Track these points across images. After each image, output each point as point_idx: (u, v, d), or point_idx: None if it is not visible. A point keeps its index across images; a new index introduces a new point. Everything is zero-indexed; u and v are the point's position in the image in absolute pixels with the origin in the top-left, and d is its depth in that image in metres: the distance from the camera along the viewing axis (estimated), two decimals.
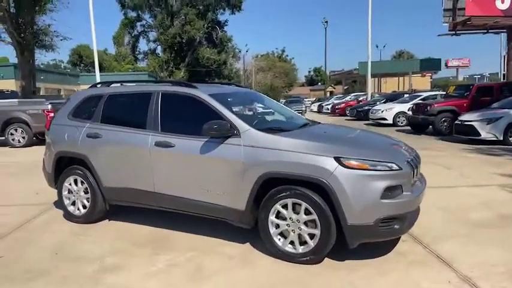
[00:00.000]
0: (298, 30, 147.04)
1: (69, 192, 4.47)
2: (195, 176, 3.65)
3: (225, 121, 3.49)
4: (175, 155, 3.72)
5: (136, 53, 55.16)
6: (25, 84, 20.94)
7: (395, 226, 3.11)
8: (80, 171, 4.34)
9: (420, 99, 15.87)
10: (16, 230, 4.23)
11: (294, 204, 3.20)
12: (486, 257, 3.26)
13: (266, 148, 3.31)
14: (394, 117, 16.37)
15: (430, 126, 12.68)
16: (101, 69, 51.79)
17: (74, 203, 4.45)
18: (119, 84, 4.68)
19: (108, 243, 3.80)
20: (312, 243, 3.17)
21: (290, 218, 3.24)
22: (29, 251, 3.65)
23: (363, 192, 3.01)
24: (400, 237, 3.57)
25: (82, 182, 4.35)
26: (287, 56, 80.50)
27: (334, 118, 23.22)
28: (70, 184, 4.44)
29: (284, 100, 41.63)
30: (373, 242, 3.27)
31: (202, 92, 3.78)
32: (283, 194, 3.22)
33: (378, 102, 19.43)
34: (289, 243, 3.27)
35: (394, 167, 3.11)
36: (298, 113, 27.53)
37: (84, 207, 4.38)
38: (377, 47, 53.47)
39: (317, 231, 3.14)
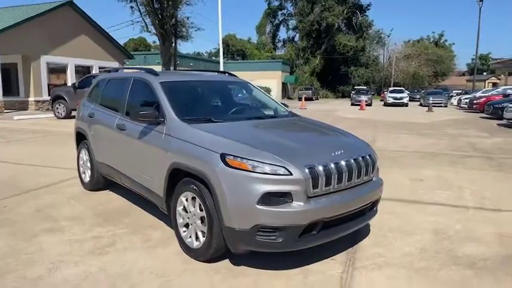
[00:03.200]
0: (461, 10, 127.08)
1: (81, 162, 5.24)
2: (135, 159, 3.86)
3: (156, 109, 3.56)
4: (125, 138, 3.98)
5: (276, 41, 57.42)
6: (165, 69, 24.27)
7: (277, 239, 2.70)
8: (85, 145, 5.04)
9: None
10: (39, 189, 5.21)
11: (193, 198, 3.10)
12: None
13: (177, 138, 3.27)
14: None
15: None
16: (243, 57, 56.09)
17: (84, 172, 5.21)
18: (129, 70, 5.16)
19: (81, 209, 4.35)
20: (202, 241, 3.03)
21: (190, 212, 3.15)
22: (25, 206, 4.48)
23: (239, 194, 2.71)
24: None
25: (86, 154, 5.05)
26: (445, 41, 71.51)
27: (455, 117, 19.85)
28: (81, 155, 5.21)
29: (423, 91, 37.44)
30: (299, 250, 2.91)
31: (155, 80, 3.90)
32: (185, 186, 3.14)
33: None
34: (189, 236, 3.19)
35: (281, 171, 2.69)
36: (437, 105, 24.45)
37: (89, 176, 5.08)
38: None
39: (205, 229, 2.99)
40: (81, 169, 5.23)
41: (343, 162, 2.95)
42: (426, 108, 24.38)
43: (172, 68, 25.18)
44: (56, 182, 5.50)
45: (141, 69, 4.38)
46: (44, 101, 19.50)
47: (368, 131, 12.28)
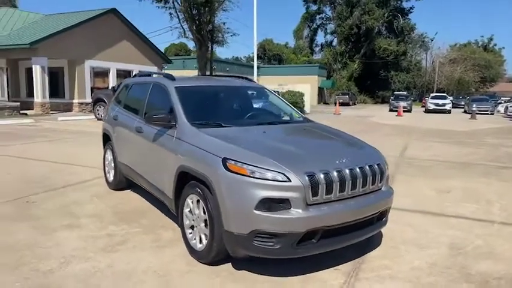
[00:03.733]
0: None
1: (106, 163, 5.48)
2: (149, 161, 4.00)
3: (170, 112, 3.68)
4: (141, 140, 4.13)
5: (313, 45, 57.01)
6: (201, 73, 24.85)
7: (274, 245, 2.70)
8: (110, 146, 5.28)
9: None
10: (67, 186, 5.51)
11: (197, 201, 3.16)
12: None
13: (185, 141, 3.36)
14: None
15: None
16: (280, 61, 56.15)
17: (109, 172, 5.45)
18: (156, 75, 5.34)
19: (102, 207, 4.57)
20: (204, 243, 3.09)
21: (195, 214, 3.22)
22: (51, 202, 4.75)
23: (238, 199, 2.74)
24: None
25: (111, 155, 5.28)
26: (495, 45, 67.82)
27: (499, 125, 18.72)
28: (106, 155, 5.46)
29: (468, 98, 35.68)
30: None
31: (171, 84, 4.03)
32: (191, 189, 3.21)
33: None
34: (194, 238, 3.26)
35: (279, 177, 2.68)
36: (483, 113, 23.39)
37: (113, 176, 5.30)
38: None
39: (208, 232, 3.03)
40: (106, 169, 5.47)
41: (347, 171, 2.90)
42: (469, 116, 23.21)
43: (208, 72, 25.74)
44: (84, 181, 5.80)
45: (161, 74, 4.54)
46: (87, 103, 20.58)
47: (400, 139, 11.90)
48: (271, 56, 57.47)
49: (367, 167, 3.06)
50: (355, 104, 43.24)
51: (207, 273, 3.00)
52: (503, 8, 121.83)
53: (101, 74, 22.15)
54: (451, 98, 33.93)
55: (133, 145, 4.45)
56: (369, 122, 19.37)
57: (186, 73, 28.35)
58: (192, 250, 3.23)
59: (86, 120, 16.66)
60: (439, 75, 52.04)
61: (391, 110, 30.02)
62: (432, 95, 33.38)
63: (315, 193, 2.74)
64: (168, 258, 3.25)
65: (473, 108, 24.47)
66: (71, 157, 7.69)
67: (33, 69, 18.47)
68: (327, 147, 3.47)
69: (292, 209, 2.68)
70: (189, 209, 3.29)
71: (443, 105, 29.01)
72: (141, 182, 4.40)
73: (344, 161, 2.98)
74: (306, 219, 2.68)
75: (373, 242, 3.58)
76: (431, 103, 29.74)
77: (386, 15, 48.32)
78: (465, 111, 30.13)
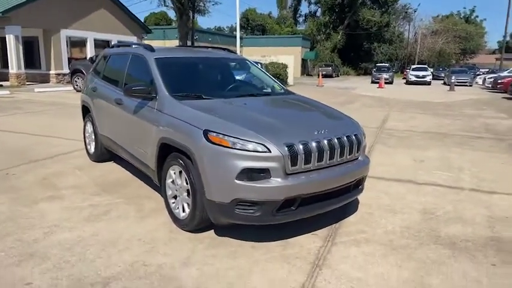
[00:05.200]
0: None
1: (86, 135, 5.44)
2: (130, 133, 4.00)
3: (150, 84, 3.65)
4: (122, 112, 4.11)
5: (297, 16, 56.07)
6: (182, 44, 24.29)
7: (255, 213, 2.80)
8: (90, 118, 5.22)
9: None
10: (48, 158, 5.46)
11: (180, 171, 3.21)
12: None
13: (166, 114, 3.37)
14: None
15: None
16: (263, 32, 55.17)
17: (89, 144, 5.40)
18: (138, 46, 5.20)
19: (84, 179, 4.57)
20: (187, 212, 3.17)
21: (177, 184, 3.28)
22: (32, 174, 4.73)
23: (219, 169, 2.80)
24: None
25: (91, 127, 5.23)
26: (477, 17, 68.23)
27: (476, 96, 19.18)
28: (86, 127, 5.40)
29: (448, 69, 36.11)
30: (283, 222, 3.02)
31: (151, 56, 3.97)
32: (174, 160, 3.25)
33: None
34: (177, 207, 3.33)
35: (259, 148, 2.75)
36: (461, 85, 23.67)
37: (94, 148, 5.28)
38: None
39: (190, 202, 3.11)
40: (87, 141, 5.43)
41: (325, 141, 2.99)
42: (448, 88, 23.62)
43: (189, 42, 25.16)
44: (65, 153, 5.75)
45: (140, 44, 4.45)
46: (64, 74, 19.95)
47: (381, 110, 12.10)
48: (255, 27, 56.36)
49: (345, 138, 3.16)
50: (338, 76, 43.28)
51: (190, 239, 3.10)
52: None
53: (78, 43, 21.39)
54: (431, 70, 34.27)
55: (113, 117, 4.42)
56: (351, 94, 19.52)
57: (168, 43, 27.61)
58: (175, 219, 3.32)
59: (64, 91, 16.23)
60: (421, 47, 52.29)
61: (373, 82, 30.19)
62: (413, 67, 33.63)
63: (293, 163, 2.82)
64: (151, 227, 3.33)
65: (452, 80, 24.83)
66: (50, 129, 7.56)
67: (7, 39, 17.66)
68: (306, 119, 3.53)
69: (271, 178, 2.77)
70: (171, 180, 3.35)
71: (424, 77, 29.32)
72: (122, 154, 4.41)
73: (322, 132, 3.06)
74: (285, 187, 2.78)
75: (350, 209, 3.74)
76: (412, 75, 30.02)
77: None
78: (445, 83, 30.57)
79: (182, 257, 2.83)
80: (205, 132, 2.90)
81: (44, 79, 19.92)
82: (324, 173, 3.00)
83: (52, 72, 19.96)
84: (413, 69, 31.21)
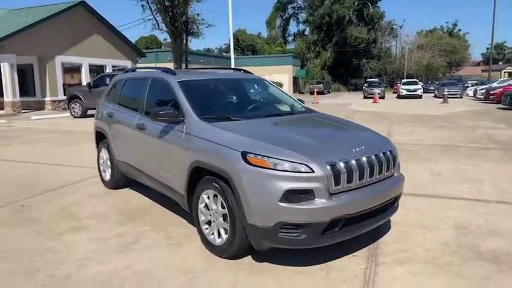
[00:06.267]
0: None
1: (101, 161, 5.32)
2: (156, 158, 3.92)
3: (175, 108, 3.60)
4: (145, 137, 4.04)
5: (286, 35, 57.07)
6: (177, 66, 24.42)
7: (299, 236, 2.72)
8: (105, 144, 5.13)
9: None
10: (61, 188, 5.32)
11: (214, 195, 3.13)
12: None
13: (197, 137, 3.31)
14: None
15: None
16: (254, 52, 55.88)
17: (104, 171, 5.29)
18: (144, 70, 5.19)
19: (103, 208, 4.45)
20: (224, 238, 3.08)
21: (212, 209, 3.19)
22: (49, 205, 4.59)
23: (261, 192, 2.73)
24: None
25: (106, 153, 5.13)
26: (459, 30, 70.41)
27: (471, 108, 19.49)
28: (101, 153, 5.30)
29: (437, 82, 36.80)
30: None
31: (174, 79, 3.94)
32: (207, 184, 3.18)
33: None
34: (212, 233, 3.24)
35: (302, 168, 2.70)
36: (452, 97, 24.05)
37: (110, 175, 5.17)
38: None
39: (228, 227, 3.02)
40: (102, 168, 5.32)
41: (364, 159, 2.95)
42: (441, 100, 24.01)
43: (183, 65, 25.31)
44: (76, 181, 5.61)
45: (157, 68, 4.43)
46: (60, 101, 19.84)
47: (382, 125, 12.17)
48: (245, 47, 57.14)
49: (381, 154, 3.13)
50: (329, 93, 43.79)
51: (229, 267, 3.00)
52: None
53: (72, 69, 21.36)
54: (421, 84, 34.89)
55: (134, 142, 4.34)
56: (347, 109, 19.68)
57: (161, 66, 27.66)
58: (210, 245, 3.21)
59: (62, 118, 16.07)
60: (409, 62, 53.39)
61: (365, 97, 30.58)
62: (404, 81, 34.23)
63: (337, 182, 2.77)
64: (185, 255, 3.22)
65: (445, 93, 25.26)
66: (55, 157, 7.42)
67: (1, 68, 17.56)
68: (340, 137, 3.51)
69: (316, 199, 2.71)
70: (204, 204, 3.26)
71: (415, 90, 29.81)
72: (144, 180, 4.31)
73: (360, 149, 3.03)
74: (330, 208, 2.71)
75: (383, 227, 3.67)
76: (403, 89, 30.51)
77: (356, 3, 48.90)
78: (435, 96, 31.09)
79: (227, 286, 2.72)
80: (244, 154, 2.84)
81: (40, 106, 19.76)
82: (364, 192, 2.95)
83: (47, 99, 19.83)
84: (404, 84, 31.75)
